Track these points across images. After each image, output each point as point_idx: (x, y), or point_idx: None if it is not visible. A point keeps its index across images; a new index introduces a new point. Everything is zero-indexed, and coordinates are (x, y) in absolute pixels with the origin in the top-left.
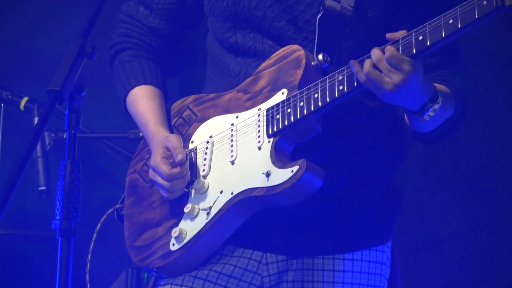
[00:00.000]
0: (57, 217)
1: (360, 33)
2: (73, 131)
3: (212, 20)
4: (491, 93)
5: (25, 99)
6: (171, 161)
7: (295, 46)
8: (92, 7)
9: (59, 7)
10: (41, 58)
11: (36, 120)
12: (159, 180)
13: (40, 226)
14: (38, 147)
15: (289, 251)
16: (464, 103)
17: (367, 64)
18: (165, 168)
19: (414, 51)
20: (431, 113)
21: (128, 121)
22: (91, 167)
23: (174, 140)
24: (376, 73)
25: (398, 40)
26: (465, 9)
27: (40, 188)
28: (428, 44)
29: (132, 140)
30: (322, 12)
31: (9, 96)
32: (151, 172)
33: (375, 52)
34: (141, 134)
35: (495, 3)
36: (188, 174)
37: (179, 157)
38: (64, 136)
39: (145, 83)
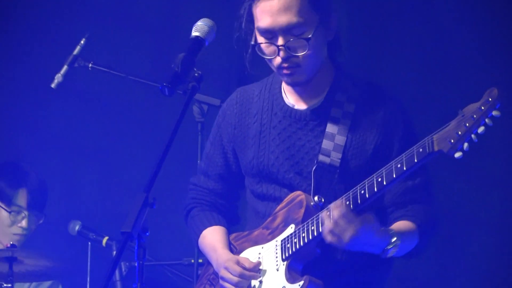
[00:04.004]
0: None
1: (346, 178)
2: (141, 262)
3: (247, 178)
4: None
5: (106, 238)
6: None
7: (298, 192)
8: (154, 164)
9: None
10: (119, 206)
11: (114, 253)
12: (229, 276)
13: None
14: (117, 273)
15: None
16: (430, 231)
17: (327, 224)
18: (235, 267)
19: (375, 190)
20: (392, 251)
21: (182, 251)
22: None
23: (245, 259)
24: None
25: (364, 183)
26: (408, 155)
27: None
28: (385, 183)
29: (186, 266)
30: (316, 165)
31: (94, 236)
32: (222, 272)
33: (334, 212)
34: (192, 261)
35: (427, 149)
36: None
37: (248, 265)
38: (135, 265)
39: (210, 225)
